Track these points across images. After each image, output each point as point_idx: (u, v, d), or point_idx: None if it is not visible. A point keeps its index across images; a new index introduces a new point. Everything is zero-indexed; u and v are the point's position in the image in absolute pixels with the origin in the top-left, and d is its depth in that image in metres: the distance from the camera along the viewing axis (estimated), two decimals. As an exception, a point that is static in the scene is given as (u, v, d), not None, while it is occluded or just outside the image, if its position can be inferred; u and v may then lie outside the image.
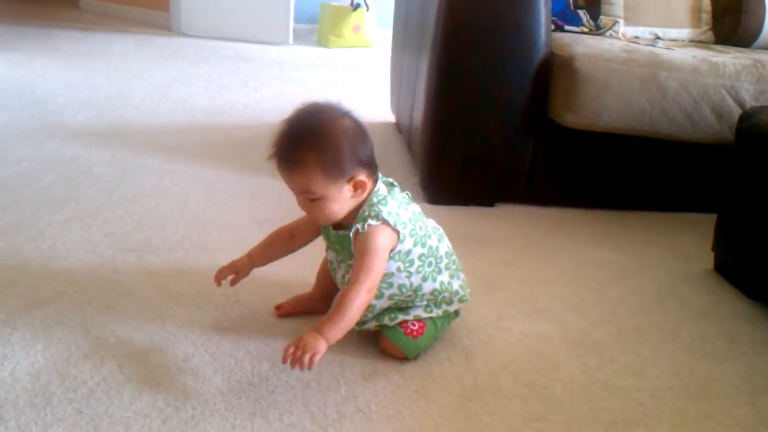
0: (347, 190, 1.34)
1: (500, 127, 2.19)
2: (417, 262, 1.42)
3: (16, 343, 1.43)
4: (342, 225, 1.41)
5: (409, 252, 1.40)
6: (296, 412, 1.28)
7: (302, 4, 5.11)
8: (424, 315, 1.46)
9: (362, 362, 1.43)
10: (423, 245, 1.42)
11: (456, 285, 1.49)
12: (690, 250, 2.07)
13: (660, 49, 2.32)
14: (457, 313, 1.53)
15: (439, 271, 1.46)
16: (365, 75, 4.26)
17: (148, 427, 1.21)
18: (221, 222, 2.03)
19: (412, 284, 1.43)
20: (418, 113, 2.38)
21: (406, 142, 2.71)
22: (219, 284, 1.51)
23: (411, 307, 1.46)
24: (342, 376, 1.39)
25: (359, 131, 1.36)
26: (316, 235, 1.51)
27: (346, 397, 1.33)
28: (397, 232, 1.37)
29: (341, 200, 1.35)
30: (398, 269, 1.40)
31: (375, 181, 1.40)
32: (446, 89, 2.19)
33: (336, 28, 5.08)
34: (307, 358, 1.24)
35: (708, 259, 1.98)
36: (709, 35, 2.88)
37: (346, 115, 1.37)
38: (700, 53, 2.37)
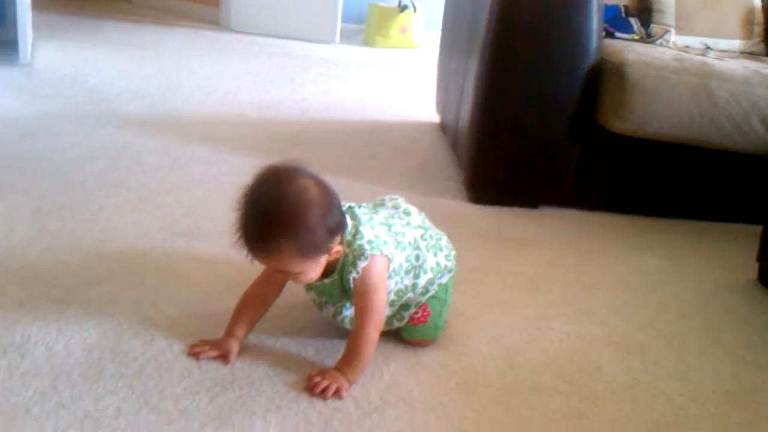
0: (323, 258, 1.31)
1: (547, 130, 2.20)
2: (405, 264, 1.42)
3: (70, 318, 1.47)
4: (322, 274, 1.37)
5: (399, 264, 1.41)
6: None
7: (350, 4, 5.15)
8: (423, 299, 1.47)
9: (405, 353, 1.45)
10: (404, 248, 1.42)
11: (441, 259, 1.49)
12: (734, 260, 2.06)
13: (711, 59, 2.31)
14: (451, 275, 1.52)
15: (425, 259, 1.45)
16: (410, 76, 4.28)
17: (197, 404, 1.25)
18: (268, 212, 2.06)
19: (407, 286, 1.44)
20: (465, 114, 2.39)
21: (451, 143, 2.73)
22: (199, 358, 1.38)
23: (411, 302, 1.47)
24: (385, 365, 1.41)
25: (325, 195, 1.29)
26: (284, 283, 1.45)
27: (390, 385, 1.35)
28: (387, 257, 1.36)
29: (318, 268, 1.32)
30: (395, 282, 1.42)
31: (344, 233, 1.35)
32: (495, 92, 2.20)
33: (383, 29, 5.12)
34: (333, 389, 1.29)
35: (753, 269, 1.96)
36: (761, 47, 2.86)
37: (308, 178, 1.28)
38: (752, 64, 2.35)
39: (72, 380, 1.28)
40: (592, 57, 2.16)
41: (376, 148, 2.81)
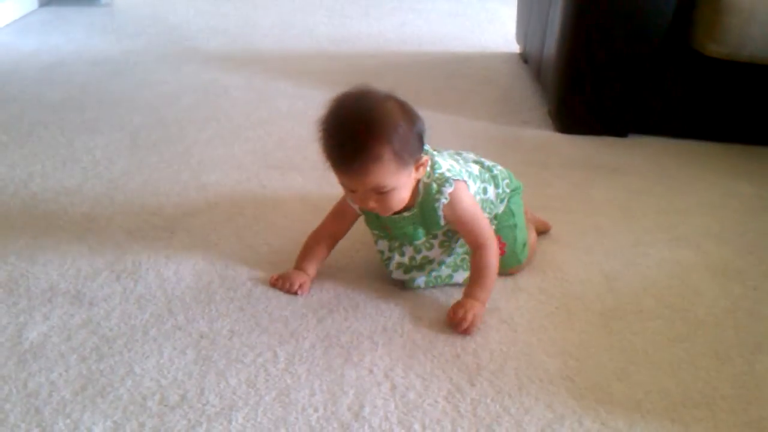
0: (413, 174, 1.28)
1: (638, 55, 2.14)
2: (476, 198, 1.38)
3: (177, 246, 1.53)
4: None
5: (474, 195, 1.38)
6: (444, 321, 1.32)
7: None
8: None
9: (503, 278, 1.45)
10: (474, 180, 1.39)
11: (498, 191, 1.44)
12: (835, 187, 2.00)
13: (811, -23, 2.20)
14: (518, 190, 1.49)
15: (489, 194, 1.42)
16: (484, 6, 4.20)
17: (306, 325, 1.29)
18: (355, 144, 2.08)
19: None
20: (550, 42, 2.35)
21: (534, 72, 2.69)
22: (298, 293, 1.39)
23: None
24: (485, 289, 1.42)
25: (406, 105, 1.27)
26: (353, 224, 1.46)
27: (490, 309, 1.37)
28: (466, 182, 1.35)
29: (409, 185, 1.28)
30: None
31: None
32: (584, 17, 2.15)
33: (455, -40, 5.01)
34: (475, 321, 1.29)
35: None
36: None
37: (386, 94, 1.26)
38: None
39: (185, 304, 1.34)
40: (685, -23, 2.09)
41: (456, 79, 2.79)
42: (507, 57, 3.12)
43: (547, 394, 1.16)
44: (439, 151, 1.43)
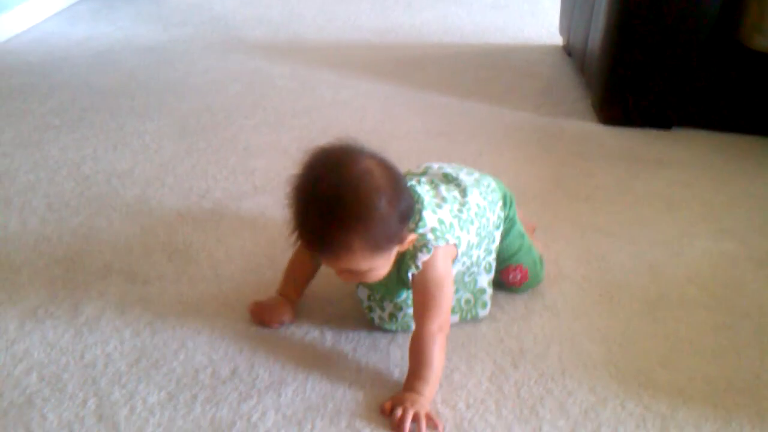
0: (395, 249, 1.12)
1: (683, 47, 2.13)
2: (475, 240, 1.24)
3: (226, 228, 1.57)
4: None
5: (468, 243, 1.22)
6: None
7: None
8: (491, 276, 1.32)
9: (546, 266, 1.47)
10: (471, 222, 1.22)
11: (497, 210, 1.30)
12: None
13: None
14: (512, 204, 1.35)
15: (488, 221, 1.28)
16: None
17: (351, 306, 1.32)
18: (398, 133, 2.10)
19: (476, 259, 1.28)
20: (595, 34, 2.34)
21: (578, 64, 2.68)
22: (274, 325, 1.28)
23: (485, 285, 1.31)
24: (528, 276, 1.44)
25: (391, 175, 1.09)
26: None
27: (533, 295, 1.39)
28: (454, 244, 1.18)
29: (389, 262, 1.13)
30: (462, 263, 1.24)
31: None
32: (630, 9, 2.14)
33: (497, -47, 5.00)
34: (409, 415, 1.07)
35: None
36: None
37: (368, 157, 1.08)
38: None
39: (235, 284, 1.38)
40: (733, -30, 2.07)
41: (499, 71, 2.79)
42: (550, 49, 3.12)
43: (591, 378, 1.18)
44: (435, 187, 1.26)
